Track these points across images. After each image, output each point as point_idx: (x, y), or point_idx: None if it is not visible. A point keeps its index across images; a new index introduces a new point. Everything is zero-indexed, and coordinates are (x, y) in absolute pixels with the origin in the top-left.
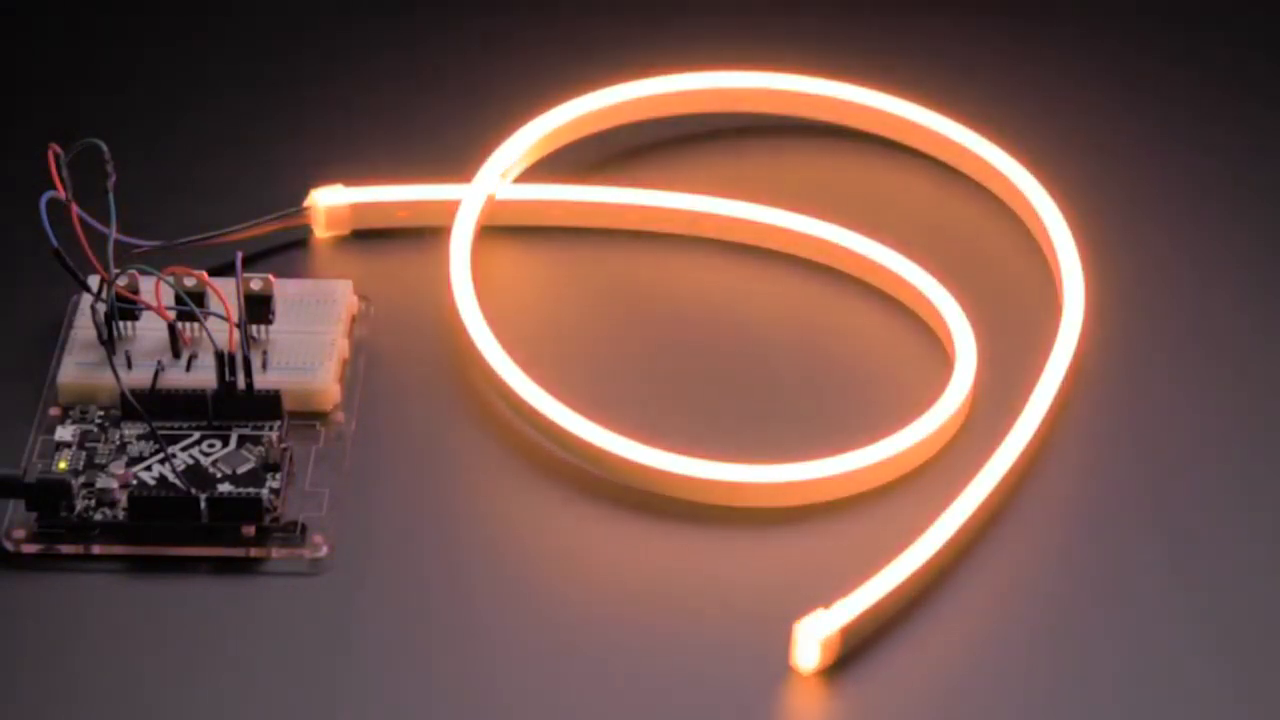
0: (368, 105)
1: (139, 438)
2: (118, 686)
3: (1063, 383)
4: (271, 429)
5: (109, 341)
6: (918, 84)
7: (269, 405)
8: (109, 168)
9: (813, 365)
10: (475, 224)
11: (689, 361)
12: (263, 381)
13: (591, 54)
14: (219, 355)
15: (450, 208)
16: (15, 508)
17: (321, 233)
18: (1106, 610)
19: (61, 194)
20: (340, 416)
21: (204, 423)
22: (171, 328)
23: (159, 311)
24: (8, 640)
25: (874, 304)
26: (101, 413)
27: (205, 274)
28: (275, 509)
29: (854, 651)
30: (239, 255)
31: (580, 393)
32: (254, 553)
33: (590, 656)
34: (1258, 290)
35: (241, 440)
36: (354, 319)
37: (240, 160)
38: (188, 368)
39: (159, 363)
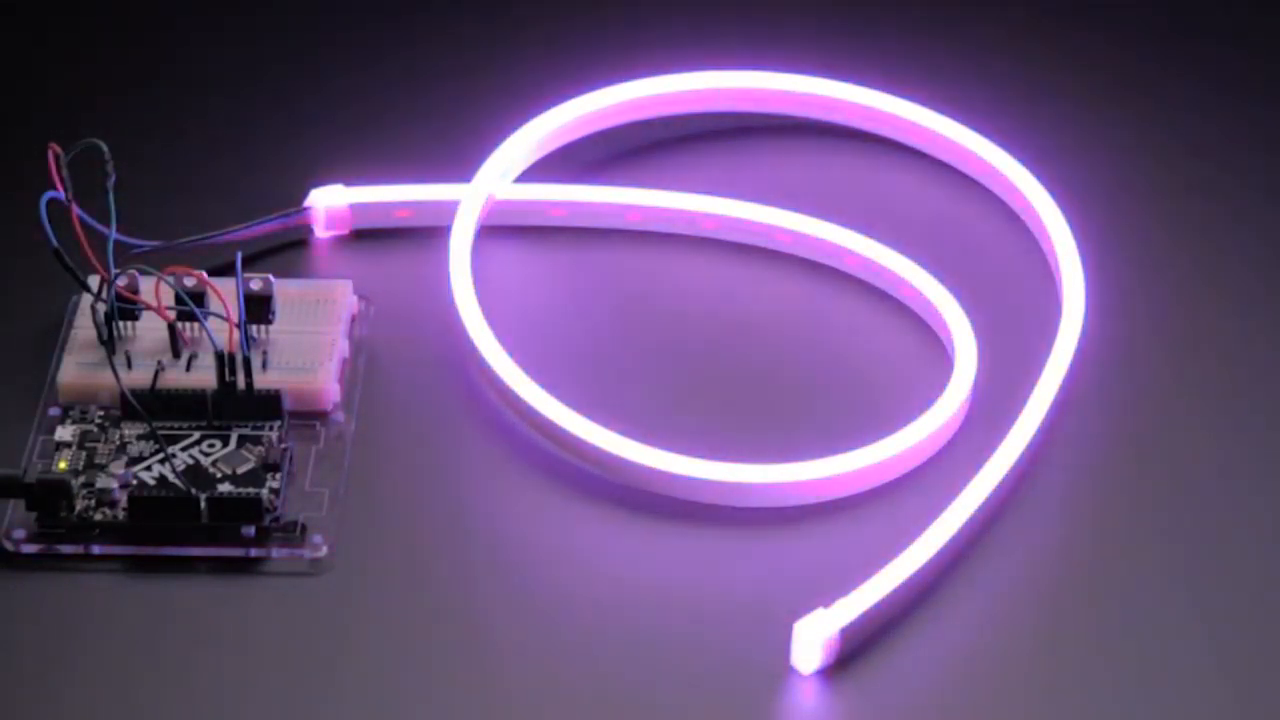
0: (368, 105)
1: (139, 438)
2: (118, 686)
3: (1063, 383)
4: (271, 429)
5: (109, 341)
6: (918, 84)
7: (269, 405)
8: (109, 168)
9: (813, 365)
10: (475, 224)
11: (689, 361)
12: (263, 381)
13: (591, 54)
14: (219, 355)
15: (450, 208)
16: (15, 508)
17: (321, 233)
18: (1106, 610)
19: (61, 194)
20: (340, 416)
21: (204, 423)
22: (171, 328)
23: (159, 311)
24: (8, 640)
25: (874, 304)
26: (101, 413)
27: (205, 274)
28: (275, 509)
29: (854, 651)
30: (239, 255)
31: (580, 393)
32: (254, 553)
33: (590, 656)
34: (1258, 290)
35: (241, 440)
36: (354, 319)
37: (240, 160)
38: (188, 368)
39: (159, 363)
